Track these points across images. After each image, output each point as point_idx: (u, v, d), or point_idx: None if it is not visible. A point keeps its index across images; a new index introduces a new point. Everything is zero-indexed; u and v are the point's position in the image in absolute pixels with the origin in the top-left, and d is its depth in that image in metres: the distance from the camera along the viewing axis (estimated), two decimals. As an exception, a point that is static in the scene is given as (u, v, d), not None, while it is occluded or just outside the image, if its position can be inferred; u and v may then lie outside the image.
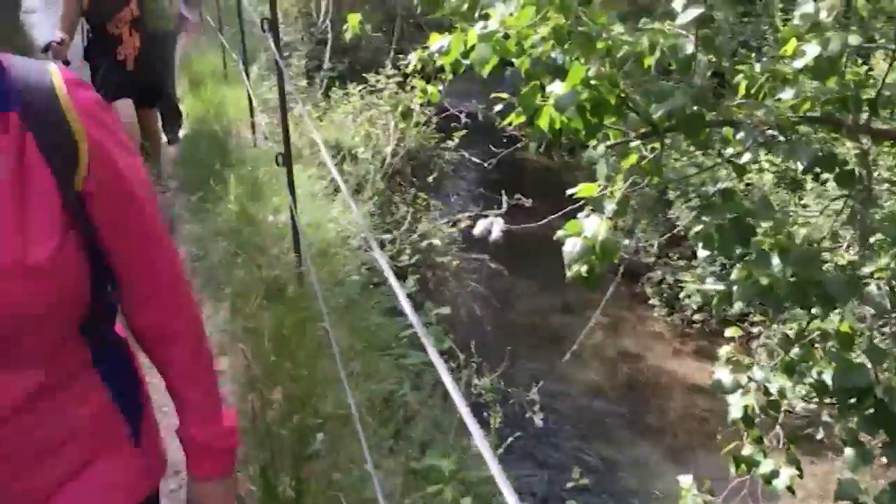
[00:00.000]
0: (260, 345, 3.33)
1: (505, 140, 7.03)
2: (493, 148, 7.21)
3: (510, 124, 2.77)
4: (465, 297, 7.26)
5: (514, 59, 2.66)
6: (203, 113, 6.76)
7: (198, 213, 5.13)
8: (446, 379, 1.51)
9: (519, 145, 6.40)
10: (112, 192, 1.07)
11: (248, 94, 6.13)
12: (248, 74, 6.13)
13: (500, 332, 7.21)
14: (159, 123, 5.75)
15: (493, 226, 3.20)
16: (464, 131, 7.32)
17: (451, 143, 7.33)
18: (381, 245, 5.07)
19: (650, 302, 8.51)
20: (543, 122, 2.60)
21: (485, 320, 7.18)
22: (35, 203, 0.98)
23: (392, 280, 2.11)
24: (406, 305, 1.91)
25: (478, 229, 3.24)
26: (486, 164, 7.58)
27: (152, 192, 1.18)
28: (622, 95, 2.68)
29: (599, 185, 2.95)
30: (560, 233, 2.71)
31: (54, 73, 1.03)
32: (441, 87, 5.15)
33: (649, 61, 2.70)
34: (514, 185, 8.22)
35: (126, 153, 1.09)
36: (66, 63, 4.58)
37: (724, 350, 2.81)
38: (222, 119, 6.67)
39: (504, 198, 5.26)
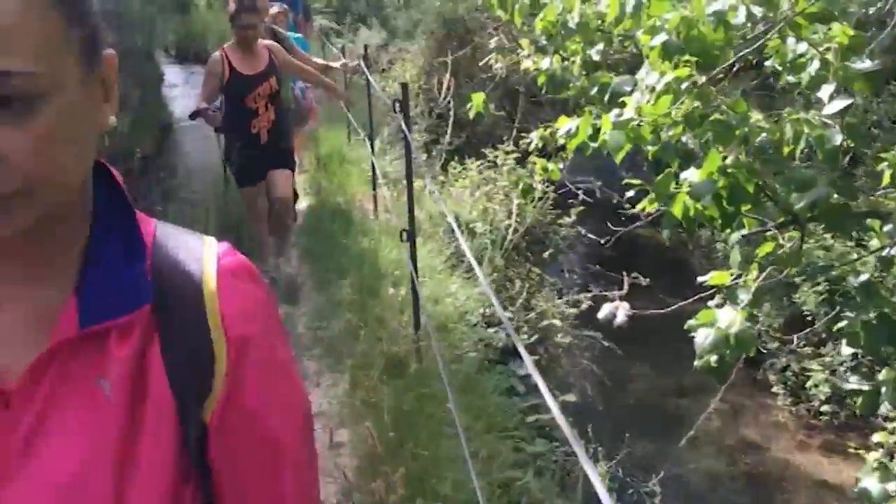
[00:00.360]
0: (380, 419, 3.36)
1: (622, 218, 6.99)
2: (609, 225, 7.17)
3: (642, 210, 2.74)
4: (577, 376, 7.11)
5: (650, 148, 2.64)
6: (326, 184, 7.02)
7: (320, 283, 5.28)
8: (594, 478, 1.47)
9: (638, 224, 6.33)
10: (249, 436, 0.78)
11: (372, 168, 6.33)
12: (372, 149, 6.34)
13: (613, 414, 7.00)
14: (294, 184, 5.66)
15: (619, 310, 3.13)
16: (581, 207, 7.29)
17: (567, 220, 7.30)
18: (498, 323, 5.06)
19: (773, 390, 8.10)
20: (678, 210, 2.56)
21: (597, 401, 7.00)
22: (147, 436, 0.71)
23: (529, 363, 2.09)
24: (547, 395, 1.88)
25: (602, 313, 3.18)
26: (602, 242, 7.52)
27: (312, 446, 0.86)
28: (760, 184, 2.61)
29: (732, 274, 2.87)
30: (691, 322, 2.63)
31: (207, 260, 0.79)
32: (562, 166, 5.17)
33: (788, 149, 2.64)
34: (629, 262, 8.07)
35: (283, 379, 0.81)
36: (217, 130, 4.97)
37: (872, 456, 2.63)
38: (345, 191, 6.90)
39: (625, 278, 5.17)
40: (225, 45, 5.19)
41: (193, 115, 4.95)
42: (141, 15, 9.39)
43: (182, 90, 13.10)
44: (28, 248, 0.71)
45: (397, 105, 4.13)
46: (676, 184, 2.62)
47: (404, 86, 4.31)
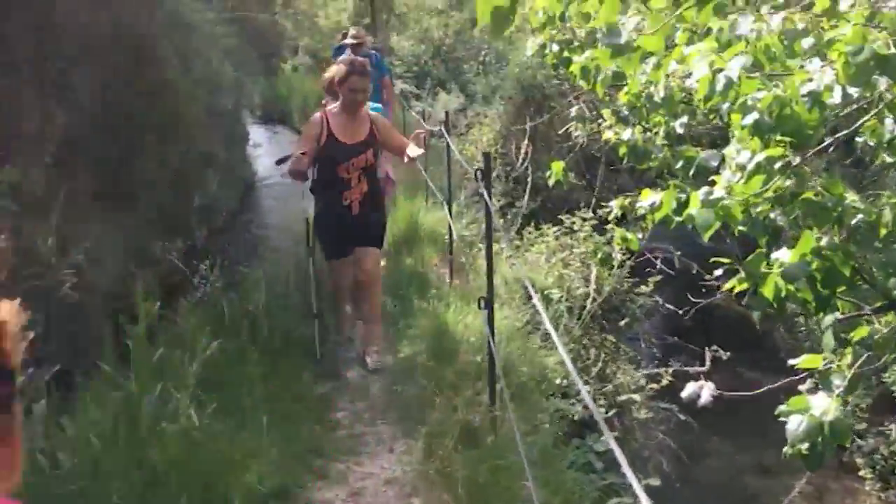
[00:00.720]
0: (454, 490, 3.31)
1: (703, 289, 6.84)
2: (689, 296, 7.03)
3: (731, 290, 2.68)
4: (653, 449, 6.90)
5: (740, 227, 2.59)
6: (404, 247, 7.10)
7: (394, 345, 5.29)
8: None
9: (718, 296, 6.18)
10: None
11: (450, 231, 6.37)
12: (450, 212, 6.40)
13: (690, 492, 6.75)
14: (381, 265, 5.36)
15: (703, 390, 3.05)
16: (659, 277, 7.18)
17: (645, 288, 7.19)
18: (577, 394, 4.96)
19: (861, 473, 7.70)
20: (769, 291, 2.50)
21: (674, 477, 6.77)
22: None
23: (613, 445, 2.03)
24: (633, 480, 1.82)
25: (686, 392, 3.10)
26: (680, 312, 7.37)
27: None
28: (856, 266, 2.54)
29: (825, 358, 2.77)
30: (783, 408, 2.54)
31: None
32: (641, 236, 5.12)
33: (885, 231, 2.56)
34: (708, 333, 7.89)
35: None
36: (305, 178, 4.73)
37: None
38: (422, 254, 6.95)
39: (707, 354, 5.04)
40: (328, 108, 4.97)
41: (280, 161, 4.84)
42: (231, 79, 9.80)
43: (266, 149, 13.56)
44: None
45: (479, 174, 4.18)
46: (767, 264, 2.57)
47: (487, 155, 4.36)
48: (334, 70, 5.05)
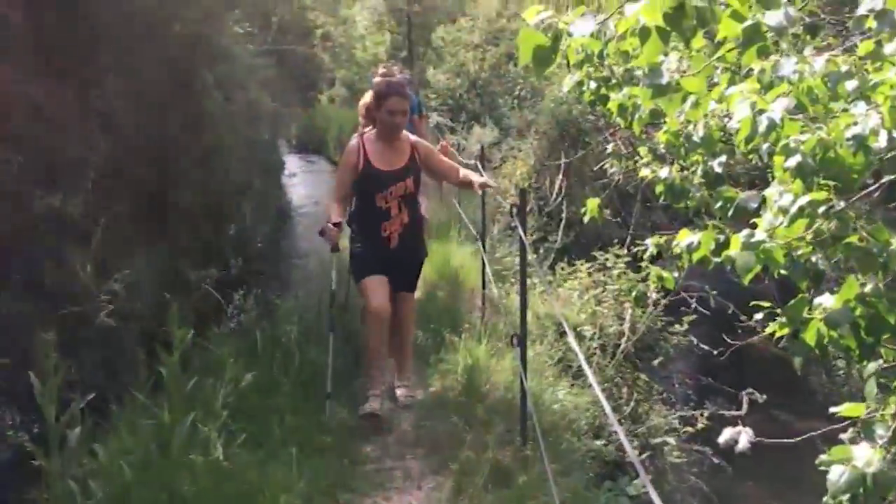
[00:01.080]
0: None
1: (739, 330, 6.72)
2: (725, 337, 6.91)
3: (772, 334, 2.63)
4: (685, 492, 6.76)
5: (781, 271, 2.55)
6: (436, 280, 7.09)
7: (425, 378, 5.26)
8: None
9: (754, 339, 6.07)
10: None
11: (482, 266, 6.36)
12: (484, 247, 6.39)
13: (723, 538, 6.59)
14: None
15: (742, 436, 2.97)
16: (693, 316, 7.08)
17: (679, 328, 7.10)
18: (609, 435, 4.89)
19: (901, 523, 7.45)
20: (811, 337, 2.44)
21: (707, 522, 6.62)
22: None
23: (653, 494, 1.98)
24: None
25: (723, 437, 3.02)
26: (715, 353, 7.25)
27: None
28: (902, 314, 2.47)
29: (868, 407, 2.69)
30: (823, 458, 2.47)
31: None
32: (676, 275, 5.05)
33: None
34: (743, 375, 7.75)
35: None
36: (336, 250, 4.51)
37: None
38: (455, 287, 6.94)
39: (744, 397, 4.94)
40: (364, 132, 4.72)
41: (322, 233, 4.50)
42: (269, 110, 9.93)
43: (300, 178, 13.72)
44: None
45: (514, 209, 4.17)
46: (809, 309, 2.52)
47: (522, 191, 4.35)
48: (371, 93, 4.81)
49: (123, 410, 4.03)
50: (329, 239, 4.44)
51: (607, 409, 2.42)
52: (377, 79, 5.07)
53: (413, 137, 4.80)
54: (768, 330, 2.64)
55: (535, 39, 2.11)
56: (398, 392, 4.92)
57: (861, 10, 2.72)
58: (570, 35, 2.10)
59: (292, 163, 14.72)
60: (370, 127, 4.81)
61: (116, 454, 3.53)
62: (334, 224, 4.44)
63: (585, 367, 2.79)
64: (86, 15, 5.12)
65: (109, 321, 4.31)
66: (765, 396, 6.68)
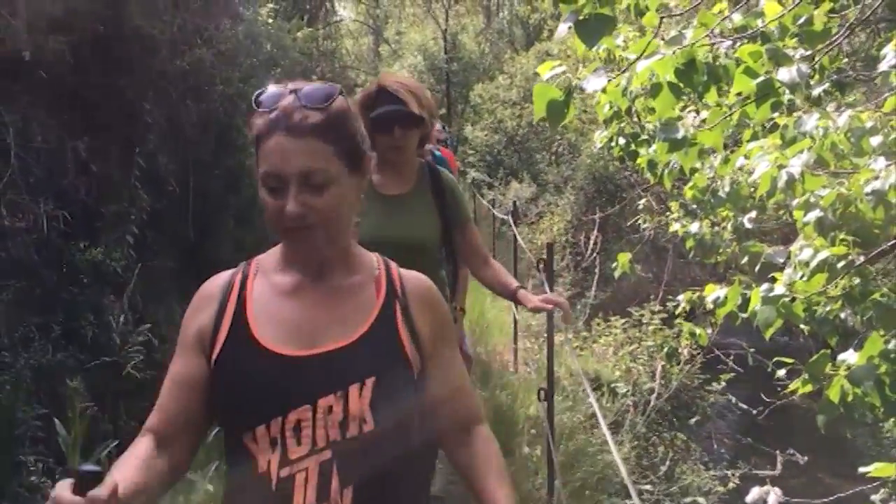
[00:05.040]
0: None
1: (778, 388, 6.56)
2: (763, 396, 6.75)
3: (794, 392, 2.58)
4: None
5: (803, 326, 2.51)
6: (468, 334, 7.08)
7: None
8: None
9: (794, 398, 5.93)
10: None
11: (514, 321, 6.35)
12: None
13: None
14: None
15: (770, 496, 2.90)
16: (731, 374, 6.95)
17: (716, 386, 6.96)
18: (640, 494, 4.78)
19: None
20: (834, 394, 2.39)
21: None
22: None
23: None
24: None
25: (751, 497, 2.95)
26: (754, 412, 7.08)
27: None
28: (929, 371, 2.41)
29: (899, 467, 2.62)
30: (852, 519, 2.40)
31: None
32: (710, 331, 4.99)
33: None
34: (783, 434, 7.54)
35: None
36: None
37: None
38: (486, 342, 6.92)
39: (778, 457, 4.81)
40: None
41: None
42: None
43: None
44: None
45: (541, 265, 4.18)
46: (833, 365, 2.47)
47: (549, 245, 4.37)
48: None
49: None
50: None
51: (625, 474, 2.39)
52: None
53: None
54: (791, 387, 2.60)
55: (549, 93, 2.16)
56: None
57: (883, 67, 2.73)
58: (582, 90, 2.14)
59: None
60: None
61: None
62: None
63: (605, 427, 2.76)
64: (130, 74, 5.33)
65: (139, 372, 4.39)
66: (806, 458, 6.49)
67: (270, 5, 9.24)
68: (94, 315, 4.76)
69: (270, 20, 8.27)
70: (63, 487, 1.00)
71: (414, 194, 2.65)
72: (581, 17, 1.94)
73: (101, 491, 0.99)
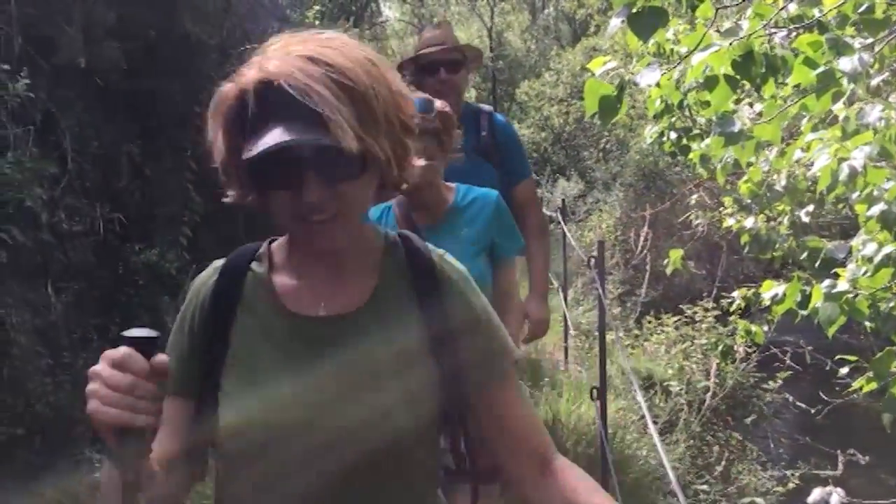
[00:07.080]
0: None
1: (837, 387, 6.39)
2: (822, 394, 6.57)
3: (860, 389, 2.51)
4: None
5: (867, 323, 2.44)
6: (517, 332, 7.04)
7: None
8: None
9: (855, 397, 5.78)
10: None
11: (565, 319, 6.30)
12: (565, 299, 6.33)
13: None
14: None
15: (832, 496, 2.82)
16: (788, 372, 6.79)
17: (773, 384, 6.81)
18: (695, 494, 4.70)
19: None
20: (900, 393, 2.32)
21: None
22: None
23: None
24: None
25: (813, 498, 2.87)
26: (812, 411, 6.90)
27: None
28: None
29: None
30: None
31: None
32: (766, 328, 4.87)
33: None
34: (843, 434, 7.33)
35: None
36: None
37: None
38: (537, 340, 6.87)
39: (840, 457, 4.68)
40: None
41: None
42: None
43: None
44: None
45: (592, 261, 4.13)
46: (899, 364, 2.39)
47: (601, 243, 4.31)
48: None
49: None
50: None
51: (672, 476, 2.34)
52: None
53: None
54: (855, 385, 2.52)
55: (602, 89, 2.12)
56: None
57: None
58: (635, 85, 2.10)
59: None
60: None
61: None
62: None
63: (647, 416, 2.71)
64: (181, 78, 5.42)
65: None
66: (867, 457, 6.30)
67: (317, 7, 9.32)
68: (150, 315, 4.85)
69: (317, 22, 8.34)
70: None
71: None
72: (634, 11, 1.90)
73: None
